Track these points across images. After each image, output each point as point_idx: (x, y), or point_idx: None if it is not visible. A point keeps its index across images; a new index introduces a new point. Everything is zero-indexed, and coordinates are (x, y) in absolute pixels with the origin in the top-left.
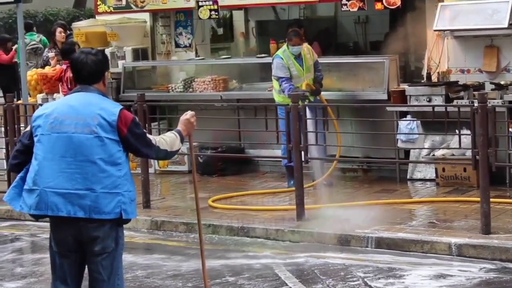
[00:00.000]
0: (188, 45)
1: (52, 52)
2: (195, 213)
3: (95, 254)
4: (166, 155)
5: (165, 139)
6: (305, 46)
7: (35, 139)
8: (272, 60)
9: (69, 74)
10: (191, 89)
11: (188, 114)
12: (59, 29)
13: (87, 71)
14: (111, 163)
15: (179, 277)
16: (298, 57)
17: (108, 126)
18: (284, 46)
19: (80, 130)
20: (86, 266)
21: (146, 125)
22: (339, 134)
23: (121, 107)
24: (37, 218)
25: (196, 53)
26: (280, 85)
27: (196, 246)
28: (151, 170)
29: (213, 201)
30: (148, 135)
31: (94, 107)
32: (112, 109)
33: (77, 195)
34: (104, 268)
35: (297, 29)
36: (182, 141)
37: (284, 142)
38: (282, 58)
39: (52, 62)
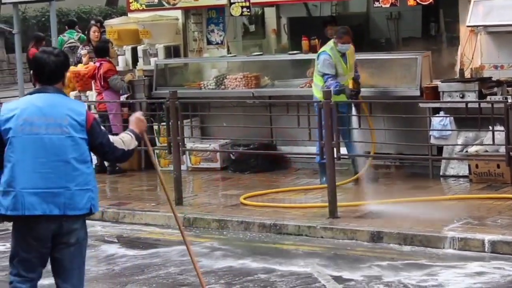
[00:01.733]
0: (220, 42)
1: (85, 49)
2: (227, 210)
3: (69, 245)
4: (123, 153)
5: (122, 139)
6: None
7: (7, 141)
8: (318, 56)
9: (102, 71)
10: (223, 86)
11: (137, 113)
12: (93, 28)
13: (49, 71)
14: (82, 162)
15: (212, 274)
16: (343, 55)
17: (78, 125)
18: (331, 43)
19: (51, 131)
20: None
21: (179, 122)
22: (373, 131)
23: (85, 105)
24: (10, 220)
25: (228, 50)
26: (324, 82)
27: (229, 244)
28: (183, 167)
29: (245, 198)
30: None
31: (62, 107)
32: (79, 108)
33: (52, 193)
34: (75, 257)
35: (347, 27)
36: (137, 139)
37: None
38: (329, 55)
39: (84, 59)
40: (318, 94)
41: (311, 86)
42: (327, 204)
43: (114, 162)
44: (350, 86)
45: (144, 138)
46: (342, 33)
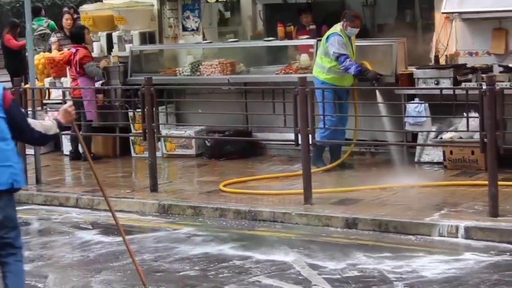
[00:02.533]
0: (195, 28)
1: (55, 37)
2: (202, 197)
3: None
4: (40, 136)
5: (42, 123)
6: None
7: None
8: (327, 38)
9: (78, 57)
10: (198, 73)
11: (66, 105)
12: (66, 16)
13: None
14: (1, 139)
15: (187, 261)
16: (349, 39)
17: None
18: (338, 27)
19: None
20: None
21: (154, 108)
22: (357, 118)
23: (3, 85)
24: None
25: (204, 36)
26: (341, 62)
27: (205, 231)
28: (158, 154)
29: (225, 185)
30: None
31: None
32: None
33: None
34: (9, 232)
35: (357, 12)
36: (60, 128)
37: (332, 124)
38: (341, 36)
39: (53, 46)
40: (322, 76)
41: (286, 73)
42: (302, 190)
43: (33, 144)
44: (369, 67)
45: (74, 128)
46: (354, 16)
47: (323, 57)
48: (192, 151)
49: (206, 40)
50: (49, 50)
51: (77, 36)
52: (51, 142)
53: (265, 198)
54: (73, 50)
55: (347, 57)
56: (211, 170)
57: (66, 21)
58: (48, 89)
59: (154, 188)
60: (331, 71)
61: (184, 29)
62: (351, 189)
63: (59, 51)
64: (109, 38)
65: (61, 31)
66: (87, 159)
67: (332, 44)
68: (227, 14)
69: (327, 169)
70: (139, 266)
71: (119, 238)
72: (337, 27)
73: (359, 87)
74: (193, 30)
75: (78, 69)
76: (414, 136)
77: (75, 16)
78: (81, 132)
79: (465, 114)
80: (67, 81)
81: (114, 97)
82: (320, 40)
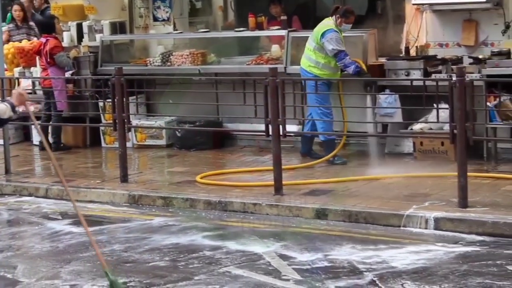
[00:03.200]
0: (166, 18)
1: (6, 27)
2: (173, 187)
3: None
4: None
5: None
6: None
7: None
8: (323, 34)
9: (48, 47)
10: (169, 63)
11: (19, 88)
12: (15, 7)
13: None
14: None
15: (157, 251)
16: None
17: None
18: (332, 22)
19: None
20: None
21: (124, 99)
22: (345, 110)
23: None
24: None
25: (174, 26)
26: (340, 59)
27: (175, 221)
28: (128, 144)
29: (202, 177)
30: None
31: None
32: None
33: None
34: None
35: (351, 7)
36: (13, 111)
37: (328, 117)
38: (338, 32)
39: (4, 36)
40: (315, 70)
41: (258, 63)
42: (272, 182)
43: None
44: (363, 66)
45: (27, 109)
46: (349, 12)
47: (317, 52)
48: (162, 142)
49: (177, 30)
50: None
51: (48, 26)
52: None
53: (236, 189)
54: (43, 40)
55: (346, 54)
56: (181, 161)
57: (15, 12)
58: (18, 79)
59: (124, 178)
60: (325, 67)
61: (155, 19)
62: (321, 180)
63: (7, 42)
64: (79, 28)
65: (13, 21)
66: (45, 148)
67: (329, 41)
68: (198, 4)
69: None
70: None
71: (89, 229)
72: (331, 23)
73: (341, 78)
74: (164, 20)
75: (48, 59)
76: (385, 127)
77: (45, 5)
78: (51, 122)
79: (435, 106)
80: (36, 71)
81: (84, 87)
82: (292, 31)
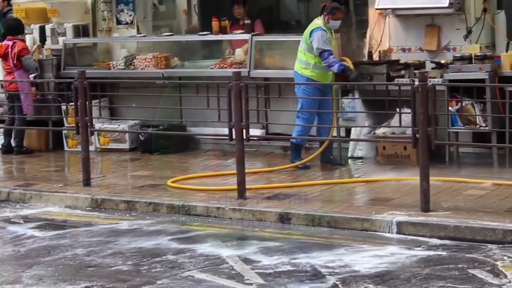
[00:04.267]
0: (129, 22)
1: None
2: (135, 191)
3: None
4: None
5: None
6: None
7: None
8: (310, 33)
9: (16, 50)
10: (132, 67)
11: None
12: None
13: None
14: None
15: (119, 255)
16: (331, 34)
17: None
18: (321, 21)
19: None
20: None
21: (87, 102)
22: (335, 114)
23: None
24: None
25: (138, 30)
26: (324, 58)
27: (138, 225)
28: (91, 148)
29: (173, 182)
30: None
31: None
32: None
33: None
34: None
35: (338, 4)
36: None
37: (305, 121)
38: (325, 31)
39: None
40: (306, 72)
41: (221, 67)
42: (235, 186)
43: None
44: (351, 65)
45: None
46: (335, 8)
47: (306, 52)
48: (126, 145)
49: (140, 33)
50: None
51: (15, 28)
52: None
53: (199, 193)
54: (10, 43)
55: (331, 53)
56: (144, 165)
57: None
58: None
59: (87, 182)
60: (316, 67)
61: (118, 22)
62: (285, 185)
63: None
64: (42, 30)
65: None
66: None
67: (315, 40)
68: (162, 8)
69: (303, 163)
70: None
71: (51, 233)
72: (319, 22)
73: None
74: (127, 23)
75: (15, 62)
76: (348, 131)
77: (8, 8)
78: (14, 126)
79: (397, 110)
80: None
81: (47, 90)
82: (256, 35)
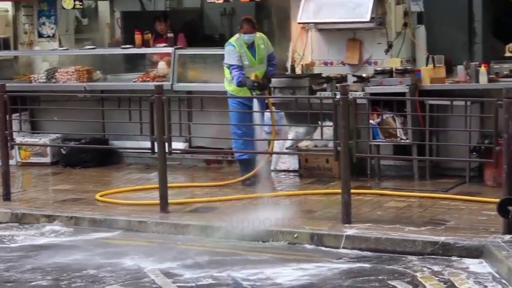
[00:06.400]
0: (51, 35)
1: None
2: (56, 205)
3: None
4: None
5: None
6: (260, 36)
7: None
8: (225, 47)
9: None
10: (54, 80)
11: None
12: None
13: None
14: None
15: (39, 271)
16: (251, 47)
17: None
18: (237, 34)
19: None
20: None
21: (7, 116)
22: (274, 127)
23: None
24: None
25: (60, 43)
26: (231, 73)
27: (59, 240)
28: (12, 162)
29: (101, 196)
30: None
31: None
32: None
33: None
34: None
35: (249, 17)
36: None
37: (237, 136)
38: (234, 46)
39: None
40: (229, 88)
41: (144, 81)
42: (158, 201)
43: None
44: (252, 77)
45: None
46: (244, 23)
47: (226, 68)
48: (47, 159)
49: (62, 47)
50: None
51: None
52: None
53: (121, 207)
54: None
55: (234, 67)
56: (66, 178)
57: None
58: None
59: (7, 196)
60: (232, 82)
61: (40, 35)
62: (208, 199)
63: None
64: None
65: None
66: None
67: (225, 55)
68: (85, 21)
69: (245, 179)
70: None
71: None
72: (235, 36)
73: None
74: (49, 36)
75: None
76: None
77: None
78: None
79: (319, 123)
80: None
81: None
82: (179, 48)
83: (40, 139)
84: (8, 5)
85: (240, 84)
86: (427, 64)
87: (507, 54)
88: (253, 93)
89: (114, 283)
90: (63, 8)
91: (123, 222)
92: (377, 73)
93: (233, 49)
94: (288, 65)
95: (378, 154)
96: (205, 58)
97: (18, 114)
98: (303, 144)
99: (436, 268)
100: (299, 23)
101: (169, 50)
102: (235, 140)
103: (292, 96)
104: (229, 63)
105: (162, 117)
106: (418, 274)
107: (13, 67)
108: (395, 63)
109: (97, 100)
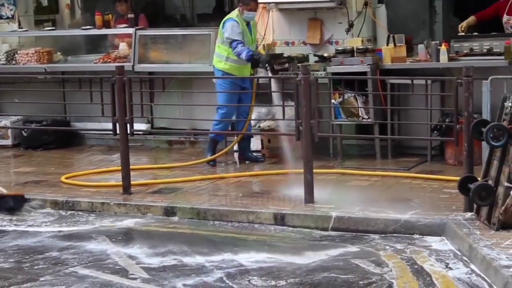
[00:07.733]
0: (10, 16)
1: None
2: (18, 188)
3: None
4: None
5: None
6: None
7: None
8: (223, 24)
9: None
10: (14, 62)
11: None
12: None
13: None
14: None
15: (1, 253)
16: (248, 26)
17: None
18: (236, 12)
19: None
20: None
21: None
22: (252, 109)
23: None
24: None
25: (19, 24)
26: (233, 48)
27: (20, 222)
28: None
29: (67, 178)
30: None
31: None
32: None
33: None
34: None
35: None
36: None
37: (222, 116)
38: (237, 22)
39: None
40: (221, 65)
41: (105, 62)
42: (120, 182)
43: None
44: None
45: None
46: (250, 0)
47: (221, 45)
48: (8, 142)
49: (22, 28)
50: None
51: None
52: None
53: (84, 189)
54: None
55: (239, 42)
56: (28, 161)
57: None
58: None
59: None
60: (229, 60)
61: None
62: (170, 180)
63: None
64: None
65: None
66: None
67: (226, 30)
68: (44, 2)
69: (213, 158)
70: None
71: None
72: (234, 13)
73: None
74: (8, 18)
75: None
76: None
77: None
78: None
79: (281, 103)
80: None
81: None
82: (140, 29)
83: (1, 121)
84: None
85: (250, 59)
86: (387, 44)
87: (460, 33)
88: (267, 67)
89: (77, 265)
90: None
91: (85, 203)
92: (338, 52)
93: (236, 25)
94: None
95: (340, 134)
96: (166, 38)
97: None
98: (265, 124)
99: (398, 246)
100: (260, 2)
101: (130, 31)
102: (218, 121)
103: (253, 76)
104: (233, 38)
105: (123, 98)
106: (381, 253)
107: None
108: (356, 43)
109: (58, 81)
